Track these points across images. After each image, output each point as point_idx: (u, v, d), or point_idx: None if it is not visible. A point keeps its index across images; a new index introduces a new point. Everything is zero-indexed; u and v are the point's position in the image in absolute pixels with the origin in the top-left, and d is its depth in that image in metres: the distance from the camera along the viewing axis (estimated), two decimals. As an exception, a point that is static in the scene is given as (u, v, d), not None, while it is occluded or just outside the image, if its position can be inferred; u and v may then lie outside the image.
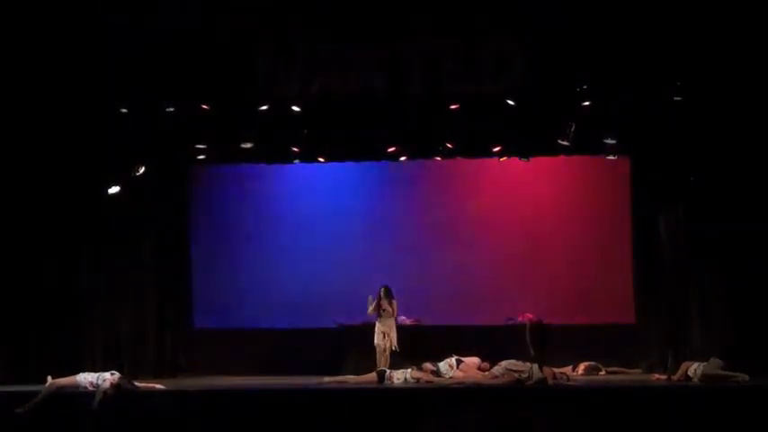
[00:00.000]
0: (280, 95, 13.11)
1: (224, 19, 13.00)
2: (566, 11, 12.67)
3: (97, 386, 11.58)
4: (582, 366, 13.68)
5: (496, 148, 13.56)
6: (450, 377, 12.92)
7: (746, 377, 11.76)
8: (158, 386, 12.19)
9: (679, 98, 12.75)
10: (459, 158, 14.12)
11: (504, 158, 13.91)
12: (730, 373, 11.87)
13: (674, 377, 12.24)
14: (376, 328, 13.61)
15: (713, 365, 11.95)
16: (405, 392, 12.07)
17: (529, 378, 11.97)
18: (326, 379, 12.75)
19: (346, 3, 12.95)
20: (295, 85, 13.09)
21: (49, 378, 11.78)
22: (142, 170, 13.59)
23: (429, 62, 12.95)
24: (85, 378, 11.76)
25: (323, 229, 15.11)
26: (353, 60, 13.03)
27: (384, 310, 13.57)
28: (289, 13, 13.00)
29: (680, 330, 13.51)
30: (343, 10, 12.92)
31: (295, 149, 13.59)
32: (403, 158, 13.96)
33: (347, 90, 13.09)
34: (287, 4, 13.01)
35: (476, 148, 13.68)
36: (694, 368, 12.05)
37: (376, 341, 13.56)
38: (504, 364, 12.42)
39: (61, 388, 11.69)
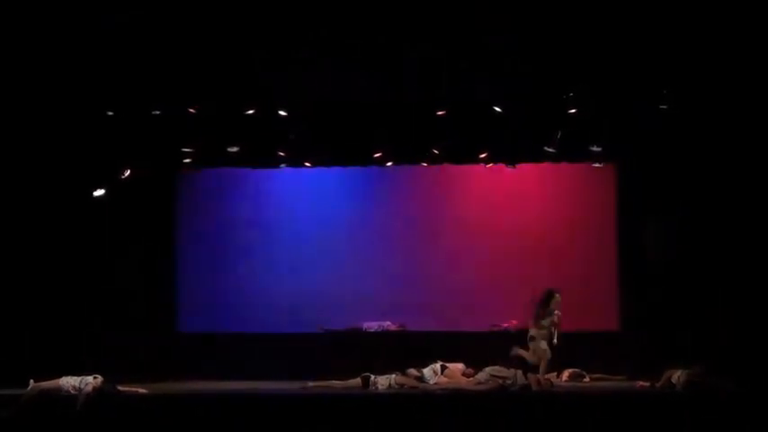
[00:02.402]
0: (270, 99, 13.11)
1: (215, 21, 12.98)
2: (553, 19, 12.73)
3: (80, 390, 11.54)
4: (566, 373, 13.68)
5: (483, 155, 13.58)
6: (435, 383, 12.91)
7: (730, 384, 11.80)
8: (141, 390, 12.14)
9: (665, 106, 12.81)
10: (445, 164, 14.14)
11: (491, 165, 13.95)
12: (713, 380, 11.90)
13: (658, 384, 12.26)
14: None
15: (696, 372, 11.99)
16: (389, 398, 12.08)
17: (513, 384, 11.99)
18: (311, 384, 12.76)
19: (339, 5, 12.96)
20: (286, 90, 13.09)
21: (32, 381, 11.73)
22: (128, 173, 13.58)
23: (416, 68, 12.96)
24: (68, 382, 11.70)
25: (309, 233, 15.07)
26: (343, 65, 13.03)
27: (556, 314, 12.51)
28: (281, 17, 13.00)
29: (664, 337, 13.54)
30: (337, 12, 12.93)
31: (281, 154, 13.59)
32: (389, 164, 13.97)
33: (335, 95, 13.09)
34: (279, 8, 13.01)
35: (462, 154, 13.68)
36: (677, 375, 12.08)
37: (544, 347, 12.44)
38: (488, 370, 12.44)
39: (44, 391, 11.63)
